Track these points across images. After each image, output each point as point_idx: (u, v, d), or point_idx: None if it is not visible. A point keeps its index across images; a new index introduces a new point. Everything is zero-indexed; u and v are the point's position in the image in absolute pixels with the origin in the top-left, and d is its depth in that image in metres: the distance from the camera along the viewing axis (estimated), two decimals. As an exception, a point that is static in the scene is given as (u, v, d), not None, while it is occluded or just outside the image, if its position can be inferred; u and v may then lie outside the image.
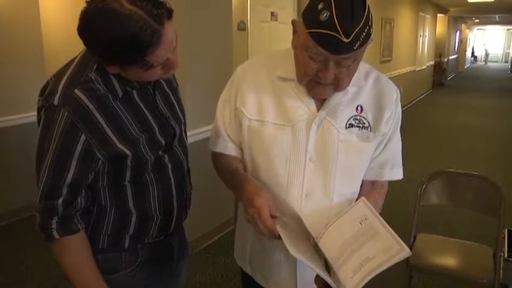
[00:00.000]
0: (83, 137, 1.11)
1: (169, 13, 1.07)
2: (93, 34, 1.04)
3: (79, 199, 1.19)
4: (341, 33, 1.06)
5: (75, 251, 1.22)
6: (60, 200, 1.16)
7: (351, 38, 1.07)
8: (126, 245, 1.30)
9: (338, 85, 1.19)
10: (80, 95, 1.11)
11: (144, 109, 1.24)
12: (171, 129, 1.31)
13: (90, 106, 1.11)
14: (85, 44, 1.09)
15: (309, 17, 1.12)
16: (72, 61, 1.19)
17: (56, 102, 1.10)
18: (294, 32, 1.22)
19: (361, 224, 1.18)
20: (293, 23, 1.22)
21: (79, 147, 1.12)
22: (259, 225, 1.13)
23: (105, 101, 1.14)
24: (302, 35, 1.15)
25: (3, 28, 3.66)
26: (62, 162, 1.13)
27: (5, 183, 3.78)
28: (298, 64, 1.22)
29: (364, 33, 1.09)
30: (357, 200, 1.34)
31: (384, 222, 1.16)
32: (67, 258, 1.22)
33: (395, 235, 1.11)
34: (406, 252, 1.06)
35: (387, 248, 1.09)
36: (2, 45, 3.67)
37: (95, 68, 1.15)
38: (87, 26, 1.04)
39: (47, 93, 1.14)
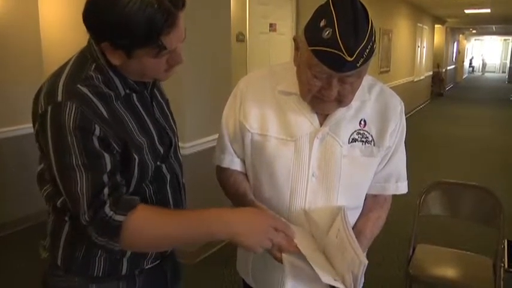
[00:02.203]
0: (97, 128, 1.04)
1: (183, 2, 1.07)
2: (106, 13, 1.00)
3: (120, 182, 1.10)
4: (344, 52, 1.04)
5: (154, 215, 1.10)
6: (106, 190, 1.05)
7: (354, 57, 1.05)
8: (124, 270, 1.21)
9: (342, 101, 1.18)
10: (84, 89, 1.06)
11: (144, 114, 1.20)
12: (167, 139, 1.28)
13: (95, 101, 1.06)
14: (92, 27, 1.05)
15: (311, 34, 1.10)
16: (66, 63, 1.14)
17: (59, 98, 1.03)
18: (296, 48, 1.20)
19: (336, 237, 1.18)
20: (295, 39, 1.20)
21: (96, 139, 1.04)
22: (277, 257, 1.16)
23: (107, 99, 1.09)
24: (305, 53, 1.13)
25: (1, 39, 3.67)
26: (93, 153, 1.04)
27: (2, 195, 3.76)
28: (301, 82, 1.20)
29: (367, 50, 1.07)
30: (360, 215, 1.35)
31: (351, 234, 1.15)
32: (153, 229, 1.09)
33: (357, 247, 1.11)
34: (364, 264, 1.06)
35: (351, 263, 1.09)
36: (0, 57, 3.68)
37: (93, 67, 1.11)
38: (100, 4, 1.01)
39: (45, 93, 1.07)
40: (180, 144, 3.39)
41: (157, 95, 1.31)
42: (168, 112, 1.34)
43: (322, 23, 1.07)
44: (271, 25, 4.96)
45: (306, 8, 5.18)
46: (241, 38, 4.51)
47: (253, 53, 4.68)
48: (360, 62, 1.07)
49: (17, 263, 3.27)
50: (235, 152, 1.36)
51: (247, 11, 4.53)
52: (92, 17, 1.04)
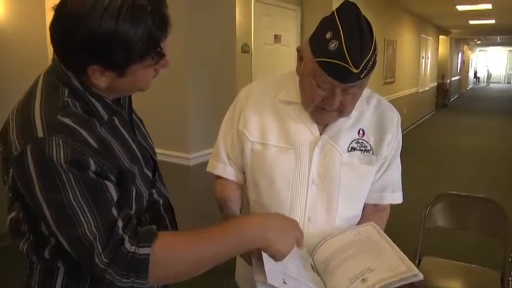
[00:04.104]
0: (91, 162, 0.90)
1: None
2: (93, 31, 0.86)
3: (129, 212, 0.98)
4: (351, 64, 1.07)
5: (182, 240, 0.98)
6: (120, 223, 0.92)
7: (360, 69, 1.08)
8: None
9: (343, 111, 1.21)
10: (66, 120, 0.91)
11: (128, 138, 1.07)
12: (151, 161, 1.16)
13: (82, 131, 0.91)
14: (73, 51, 0.91)
15: (317, 46, 1.13)
16: (30, 94, 0.98)
17: (41, 134, 0.88)
18: (300, 58, 1.23)
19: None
20: (299, 49, 1.23)
21: (93, 174, 0.91)
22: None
23: (92, 127, 0.94)
24: (309, 63, 1.16)
25: (7, 49, 3.71)
26: (94, 187, 0.91)
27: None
28: (304, 91, 1.23)
29: (371, 62, 1.10)
30: (359, 223, 1.35)
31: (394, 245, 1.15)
32: (186, 253, 0.95)
33: (406, 258, 1.09)
34: (418, 276, 1.01)
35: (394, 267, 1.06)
36: (6, 66, 3.71)
37: (67, 93, 0.95)
38: (81, 22, 0.87)
39: (18, 131, 0.92)
40: (184, 155, 3.40)
41: (132, 113, 1.19)
42: (144, 131, 1.23)
43: (328, 35, 1.10)
44: (276, 36, 4.99)
45: (310, 19, 5.21)
46: (246, 49, 4.53)
47: (258, 64, 4.69)
48: (363, 74, 1.11)
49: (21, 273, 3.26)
50: (231, 161, 1.39)
51: (252, 22, 4.56)
52: (71, 40, 0.89)
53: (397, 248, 1.13)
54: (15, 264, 3.42)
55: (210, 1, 3.20)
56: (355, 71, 1.08)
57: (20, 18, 3.78)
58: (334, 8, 1.16)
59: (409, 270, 1.02)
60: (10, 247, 3.68)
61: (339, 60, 1.08)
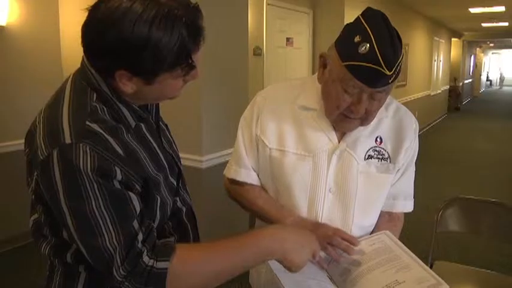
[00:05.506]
0: (117, 170, 0.89)
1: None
2: (126, 35, 0.86)
3: (150, 224, 0.96)
4: (384, 66, 1.05)
5: (201, 253, 0.97)
6: (140, 236, 0.91)
7: (393, 71, 1.06)
8: None
9: (366, 119, 1.19)
10: (94, 126, 0.90)
11: (154, 145, 1.06)
12: (176, 169, 1.15)
13: (109, 139, 0.91)
14: (103, 54, 0.90)
15: (344, 50, 1.11)
16: (58, 96, 0.97)
17: (68, 140, 0.87)
18: (324, 66, 1.20)
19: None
20: (323, 56, 1.20)
21: (118, 183, 0.90)
22: None
23: (118, 134, 0.94)
24: (336, 68, 1.13)
25: (20, 53, 3.73)
26: (118, 199, 0.90)
27: (17, 205, 3.79)
28: (329, 98, 1.20)
29: (400, 65, 1.08)
30: (372, 232, 1.34)
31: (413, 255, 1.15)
32: (204, 267, 0.94)
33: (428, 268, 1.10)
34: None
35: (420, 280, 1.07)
36: (19, 70, 3.74)
37: (95, 97, 0.95)
38: (115, 26, 0.86)
39: (45, 135, 0.91)
40: (196, 157, 3.41)
41: (159, 119, 1.19)
42: (170, 137, 1.23)
43: (356, 39, 1.07)
44: (288, 39, 5.00)
45: (322, 22, 5.21)
46: (258, 52, 4.54)
47: (270, 67, 4.70)
48: (393, 77, 1.09)
49: (33, 275, 3.29)
50: (251, 166, 1.36)
51: (264, 25, 4.57)
52: (102, 43, 0.89)
53: (416, 256, 1.14)
54: (27, 264, 3.46)
55: (222, 4, 3.22)
56: (388, 73, 1.05)
57: (32, 23, 3.80)
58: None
59: (439, 284, 1.04)
60: (24, 249, 3.72)
61: (370, 63, 1.05)
